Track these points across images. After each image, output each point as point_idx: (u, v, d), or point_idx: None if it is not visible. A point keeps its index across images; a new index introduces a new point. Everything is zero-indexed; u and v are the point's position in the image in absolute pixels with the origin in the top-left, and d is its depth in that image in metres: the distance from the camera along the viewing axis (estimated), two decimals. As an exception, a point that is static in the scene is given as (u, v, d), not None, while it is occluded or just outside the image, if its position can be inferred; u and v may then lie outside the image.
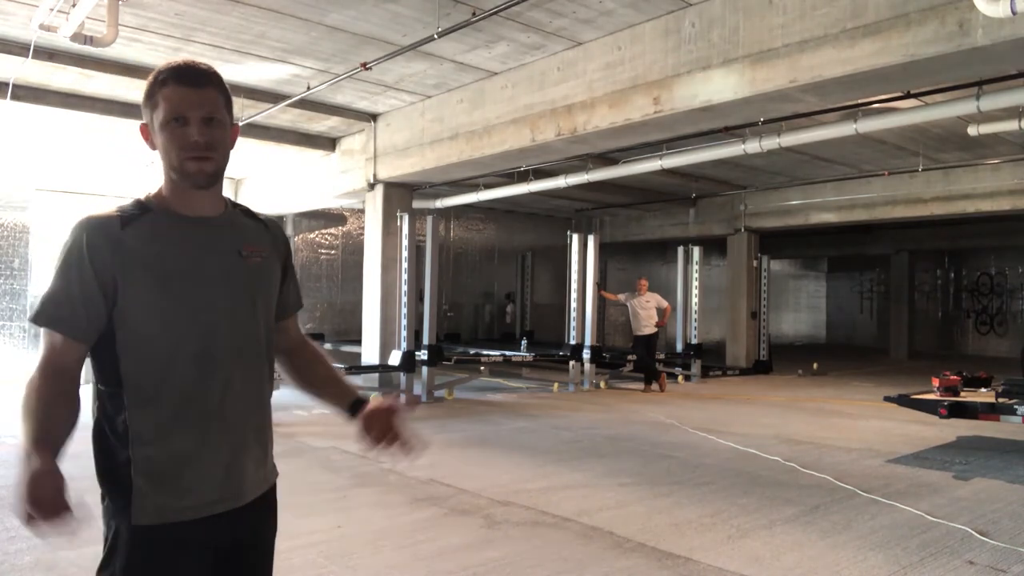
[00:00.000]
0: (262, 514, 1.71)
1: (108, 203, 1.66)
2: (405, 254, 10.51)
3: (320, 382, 1.87)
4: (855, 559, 4.07)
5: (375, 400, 1.81)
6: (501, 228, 18.79)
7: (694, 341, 14.02)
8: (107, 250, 1.50)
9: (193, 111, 1.53)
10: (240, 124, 9.50)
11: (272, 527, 1.76)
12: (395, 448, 1.77)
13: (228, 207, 1.70)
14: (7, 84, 8.32)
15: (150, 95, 1.56)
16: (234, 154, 1.71)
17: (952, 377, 7.21)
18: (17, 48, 7.35)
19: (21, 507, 1.37)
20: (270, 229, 1.77)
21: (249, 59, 8.00)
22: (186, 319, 1.54)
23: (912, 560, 4.06)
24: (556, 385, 12.04)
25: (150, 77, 1.57)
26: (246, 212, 1.76)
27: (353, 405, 1.81)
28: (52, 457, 1.41)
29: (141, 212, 1.58)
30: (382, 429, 1.76)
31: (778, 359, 16.35)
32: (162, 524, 1.51)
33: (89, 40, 5.92)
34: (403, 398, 1.81)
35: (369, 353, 10.88)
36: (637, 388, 11.99)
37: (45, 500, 1.37)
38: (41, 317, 1.51)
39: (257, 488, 1.67)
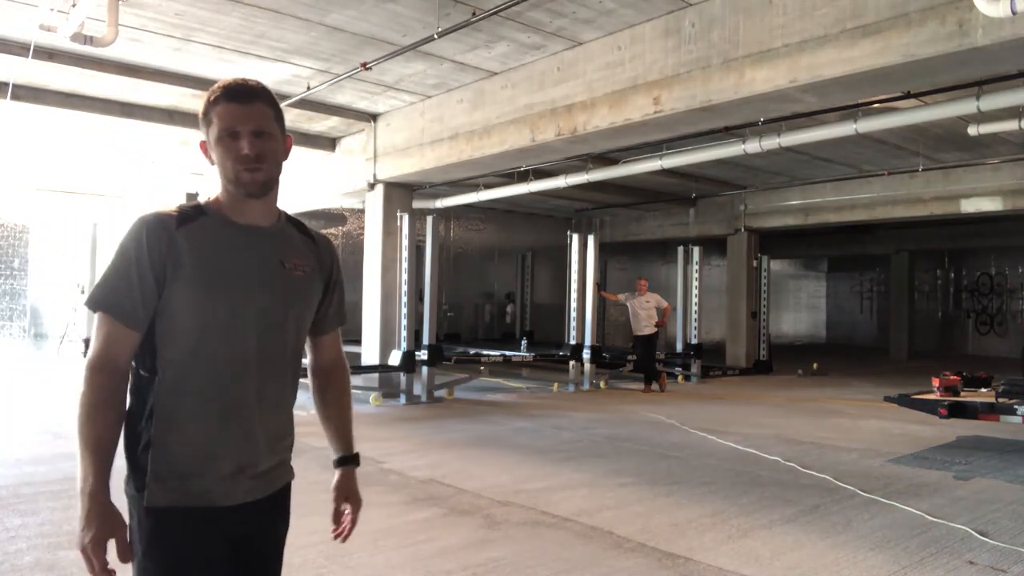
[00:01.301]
0: (274, 513, 1.79)
1: (170, 201, 1.78)
2: (405, 254, 10.51)
3: (326, 417, 1.98)
4: (855, 559, 4.07)
5: (348, 482, 1.95)
6: (501, 228, 18.79)
7: (694, 341, 14.02)
8: (163, 245, 1.59)
9: (243, 125, 1.63)
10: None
11: (284, 525, 1.84)
12: (339, 530, 1.94)
13: (281, 219, 1.79)
14: (7, 84, 8.32)
15: (205, 114, 1.67)
16: None
17: (952, 377, 7.21)
18: (17, 48, 7.35)
19: (81, 542, 1.57)
20: (318, 244, 1.85)
21: (249, 59, 8.00)
22: (222, 319, 1.62)
23: (912, 560, 4.06)
24: (556, 385, 12.04)
25: (205, 97, 1.68)
26: (298, 226, 1.84)
27: (340, 461, 1.96)
28: (106, 483, 1.55)
29: (197, 214, 1.67)
30: (342, 496, 1.94)
31: (778, 359, 16.35)
32: (175, 507, 1.59)
33: (89, 40, 5.91)
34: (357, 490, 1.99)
35: (369, 353, 10.88)
36: (637, 388, 11.98)
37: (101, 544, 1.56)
38: (100, 303, 1.59)
39: (270, 486, 1.74)
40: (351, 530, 1.94)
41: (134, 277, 1.58)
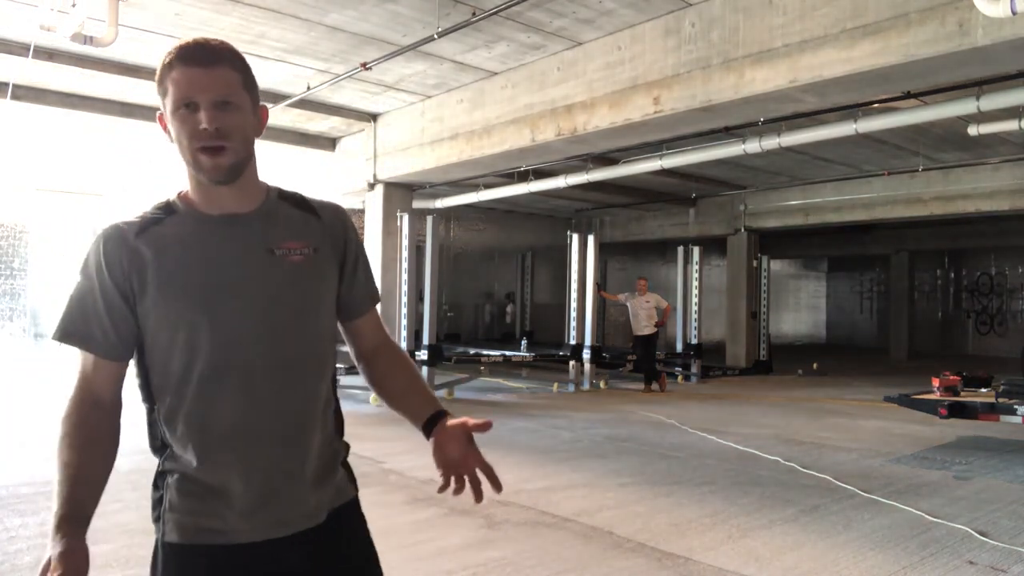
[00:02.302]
0: (326, 544, 1.48)
1: (138, 205, 1.54)
2: (405, 254, 10.51)
3: (399, 393, 1.63)
4: (855, 559, 4.07)
5: (450, 420, 1.56)
6: (501, 228, 18.78)
7: (694, 341, 14.01)
8: (123, 259, 1.39)
9: (203, 94, 1.35)
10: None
11: (345, 555, 1.53)
12: (471, 483, 1.54)
13: (270, 198, 1.51)
14: (7, 84, 8.32)
15: (160, 80, 1.39)
16: None
17: (952, 377, 7.22)
18: (17, 48, 7.35)
19: None
20: (323, 218, 1.54)
21: (249, 59, 7.90)
22: (205, 331, 1.37)
23: (912, 560, 4.06)
24: (556, 385, 12.04)
25: (161, 60, 1.40)
26: (294, 200, 1.55)
27: (428, 422, 1.57)
28: (80, 532, 1.32)
29: (165, 215, 1.45)
30: (455, 461, 1.54)
31: (778, 359, 16.35)
32: (190, 544, 1.40)
33: (89, 40, 5.91)
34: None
35: (369, 353, 10.86)
36: (637, 388, 11.98)
37: None
38: (65, 334, 1.40)
39: (310, 517, 1.46)
40: (493, 476, 1.55)
41: (99, 301, 1.38)
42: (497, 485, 1.49)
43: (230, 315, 1.39)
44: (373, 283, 1.65)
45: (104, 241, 1.41)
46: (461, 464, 1.54)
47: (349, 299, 1.58)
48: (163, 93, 1.39)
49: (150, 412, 1.44)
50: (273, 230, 1.46)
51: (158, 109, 1.47)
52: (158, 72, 1.40)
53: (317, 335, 1.49)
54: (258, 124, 1.46)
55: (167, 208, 1.46)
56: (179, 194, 1.48)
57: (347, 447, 1.60)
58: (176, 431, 1.40)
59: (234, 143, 1.39)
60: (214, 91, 1.36)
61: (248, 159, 1.45)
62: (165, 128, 1.43)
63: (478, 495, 1.51)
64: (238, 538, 1.40)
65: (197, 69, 1.36)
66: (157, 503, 1.43)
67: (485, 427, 1.53)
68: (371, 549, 1.59)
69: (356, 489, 1.58)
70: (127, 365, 1.44)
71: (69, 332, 1.40)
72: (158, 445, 1.44)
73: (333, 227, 1.55)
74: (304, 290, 1.47)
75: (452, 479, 1.54)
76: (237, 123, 1.39)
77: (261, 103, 1.49)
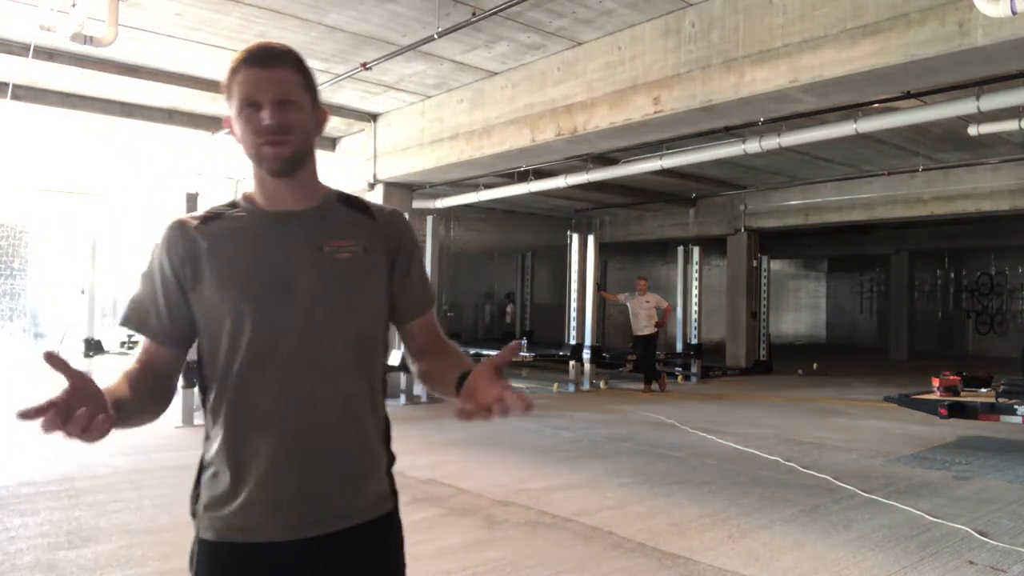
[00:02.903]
0: (355, 552, 1.47)
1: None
2: (405, 254, 10.50)
3: (437, 375, 1.54)
4: (855, 559, 4.07)
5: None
6: (501, 228, 18.78)
7: (694, 341, 14.01)
8: (181, 249, 1.46)
9: (265, 93, 1.43)
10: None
11: (381, 565, 1.51)
12: (500, 407, 1.27)
13: (328, 200, 1.57)
14: (7, 84, 8.32)
15: (227, 85, 1.47)
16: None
17: (952, 377, 7.22)
18: (17, 48, 7.35)
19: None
20: (378, 220, 1.58)
21: (249, 59, 7.99)
22: (248, 322, 1.41)
23: (912, 560, 4.06)
24: (556, 385, 12.04)
25: (228, 66, 1.48)
26: (353, 203, 1.60)
27: (459, 382, 1.41)
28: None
29: (227, 209, 1.52)
30: (475, 388, 1.34)
31: (778, 359, 16.35)
32: (220, 542, 1.42)
33: (89, 40, 5.91)
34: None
35: (369, 353, 10.86)
36: (637, 388, 11.98)
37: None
38: (125, 319, 1.50)
39: (341, 519, 1.45)
40: (523, 396, 1.26)
41: (158, 289, 1.46)
42: (527, 403, 1.26)
43: (274, 308, 1.43)
44: (428, 287, 1.65)
45: (167, 231, 1.49)
46: (483, 390, 1.32)
47: (401, 301, 1.58)
48: (229, 96, 1.47)
49: (203, 402, 1.49)
50: (325, 228, 1.51)
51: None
52: (225, 78, 1.48)
53: (360, 334, 1.50)
54: (317, 123, 1.53)
55: (230, 204, 1.54)
56: (244, 193, 1.56)
57: (391, 457, 1.58)
58: (217, 421, 1.44)
59: (294, 137, 1.45)
60: (275, 90, 1.43)
61: (307, 154, 1.51)
62: (232, 129, 1.50)
63: (503, 409, 1.26)
64: (266, 536, 1.41)
65: (259, 70, 1.44)
66: (195, 498, 1.47)
67: (512, 352, 1.37)
68: (399, 572, 1.55)
69: (395, 503, 1.56)
70: (183, 356, 1.51)
71: (129, 317, 1.50)
72: (205, 436, 1.48)
73: (387, 229, 1.58)
74: (349, 288, 1.49)
75: (473, 407, 1.31)
76: (297, 120, 1.45)
77: (321, 104, 1.56)
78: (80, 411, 1.14)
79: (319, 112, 1.53)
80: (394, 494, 1.56)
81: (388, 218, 1.60)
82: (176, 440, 7.00)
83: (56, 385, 1.18)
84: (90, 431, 1.15)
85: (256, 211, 1.51)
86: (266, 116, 1.42)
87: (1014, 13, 4.33)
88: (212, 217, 1.51)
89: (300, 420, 1.42)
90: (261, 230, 1.48)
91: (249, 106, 1.43)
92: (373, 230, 1.55)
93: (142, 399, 1.40)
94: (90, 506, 4.76)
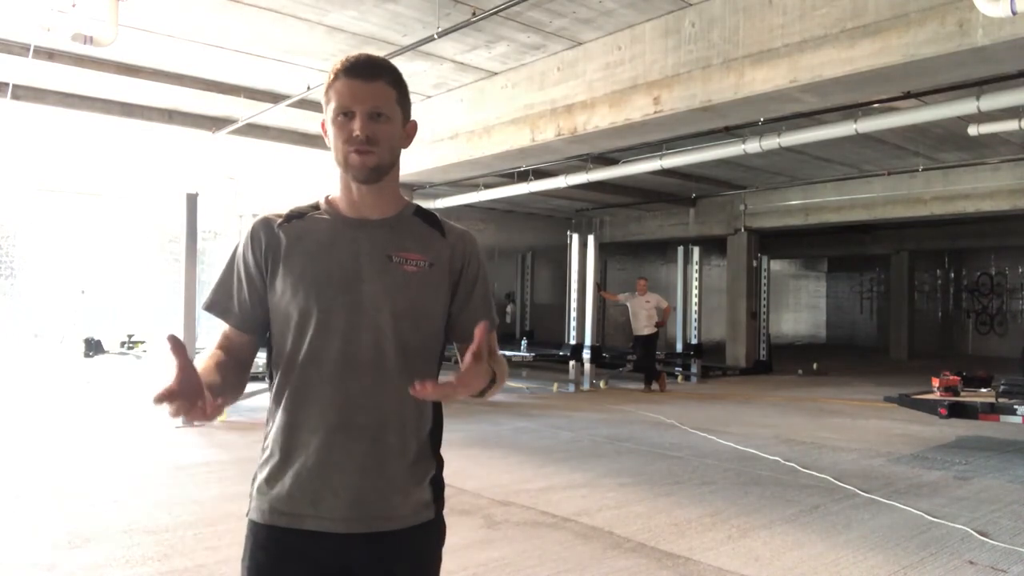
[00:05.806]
0: (392, 556, 1.50)
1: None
2: (405, 254, 10.50)
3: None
4: (855, 559, 4.07)
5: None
6: (501, 228, 18.78)
7: (694, 341, 14.01)
8: (264, 241, 1.55)
9: (359, 105, 1.49)
10: (240, 123, 9.55)
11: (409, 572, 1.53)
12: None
13: (406, 212, 1.62)
14: (7, 84, 8.32)
15: (326, 91, 1.54)
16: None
17: (952, 377, 7.21)
18: (17, 48, 7.35)
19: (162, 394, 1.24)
20: (448, 238, 1.62)
21: (249, 59, 8.00)
22: (313, 319, 1.49)
23: (912, 560, 4.06)
24: (556, 385, 12.04)
25: (330, 70, 1.55)
26: (428, 218, 1.64)
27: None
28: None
29: (309, 211, 1.61)
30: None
31: (778, 359, 16.35)
32: (264, 524, 1.50)
33: (89, 40, 5.91)
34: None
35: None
36: (637, 388, 11.98)
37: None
38: (208, 304, 1.58)
39: (381, 520, 1.49)
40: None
41: (241, 278, 1.55)
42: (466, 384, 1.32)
43: (338, 309, 1.49)
44: (491, 310, 1.65)
45: (252, 226, 1.58)
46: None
47: (461, 320, 1.60)
48: (327, 101, 1.53)
49: (270, 389, 1.56)
50: (396, 238, 1.57)
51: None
52: (326, 83, 1.54)
53: (416, 343, 1.54)
54: (405, 137, 1.59)
55: (314, 206, 1.63)
56: (327, 197, 1.65)
57: (439, 463, 1.60)
58: (279, 406, 1.52)
59: (380, 148, 1.51)
60: (370, 103, 1.50)
61: (391, 166, 1.57)
62: (325, 133, 1.57)
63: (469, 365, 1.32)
64: (306, 524, 1.47)
65: (358, 82, 1.50)
66: (253, 477, 1.55)
67: (480, 334, 1.34)
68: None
69: (437, 510, 1.58)
70: (260, 343, 1.59)
71: (213, 303, 1.58)
72: (268, 418, 1.56)
73: (455, 248, 1.62)
74: (410, 298, 1.53)
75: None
76: (386, 133, 1.52)
77: (410, 118, 1.61)
78: (201, 402, 1.27)
79: (408, 125, 1.59)
80: (437, 501, 1.58)
81: (458, 238, 1.64)
82: (176, 440, 7.00)
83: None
84: (209, 416, 1.29)
85: (336, 216, 1.59)
86: (357, 127, 1.49)
87: (1014, 13, 4.33)
88: (295, 216, 1.59)
89: (350, 420, 1.48)
90: (337, 234, 1.55)
91: (343, 115, 1.50)
92: (441, 247, 1.60)
93: (228, 381, 1.48)
94: (90, 506, 4.76)
